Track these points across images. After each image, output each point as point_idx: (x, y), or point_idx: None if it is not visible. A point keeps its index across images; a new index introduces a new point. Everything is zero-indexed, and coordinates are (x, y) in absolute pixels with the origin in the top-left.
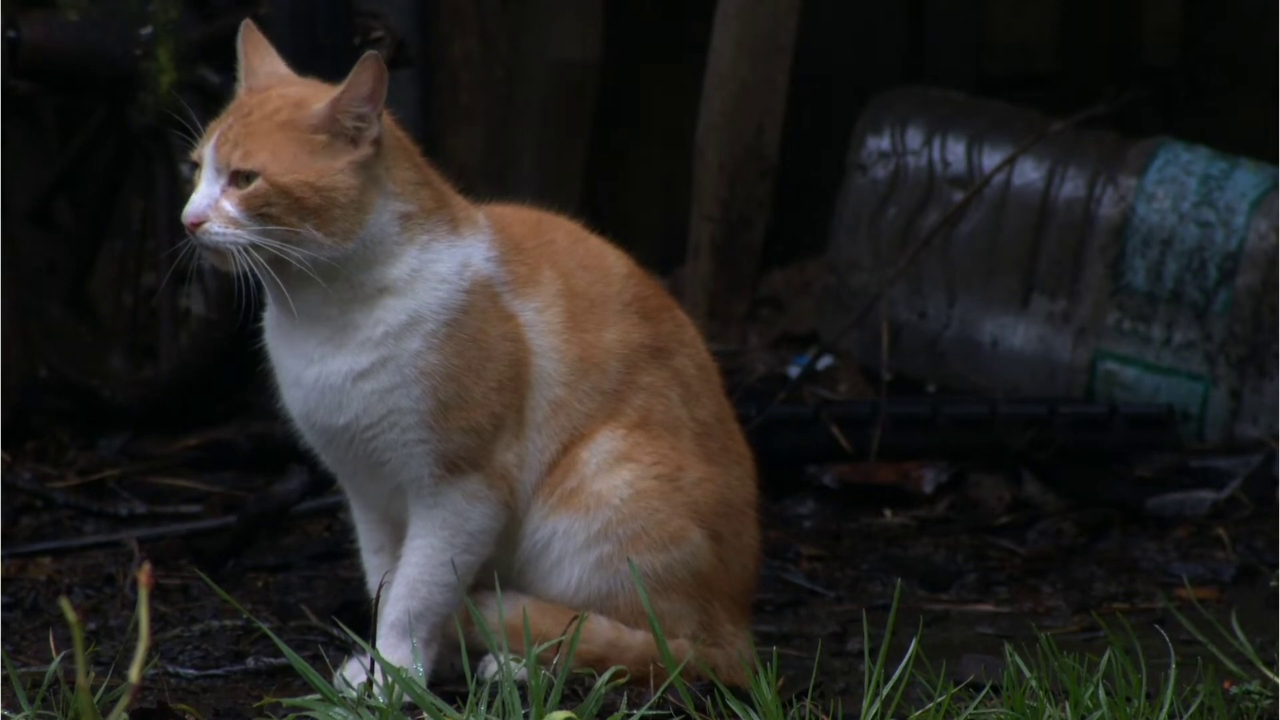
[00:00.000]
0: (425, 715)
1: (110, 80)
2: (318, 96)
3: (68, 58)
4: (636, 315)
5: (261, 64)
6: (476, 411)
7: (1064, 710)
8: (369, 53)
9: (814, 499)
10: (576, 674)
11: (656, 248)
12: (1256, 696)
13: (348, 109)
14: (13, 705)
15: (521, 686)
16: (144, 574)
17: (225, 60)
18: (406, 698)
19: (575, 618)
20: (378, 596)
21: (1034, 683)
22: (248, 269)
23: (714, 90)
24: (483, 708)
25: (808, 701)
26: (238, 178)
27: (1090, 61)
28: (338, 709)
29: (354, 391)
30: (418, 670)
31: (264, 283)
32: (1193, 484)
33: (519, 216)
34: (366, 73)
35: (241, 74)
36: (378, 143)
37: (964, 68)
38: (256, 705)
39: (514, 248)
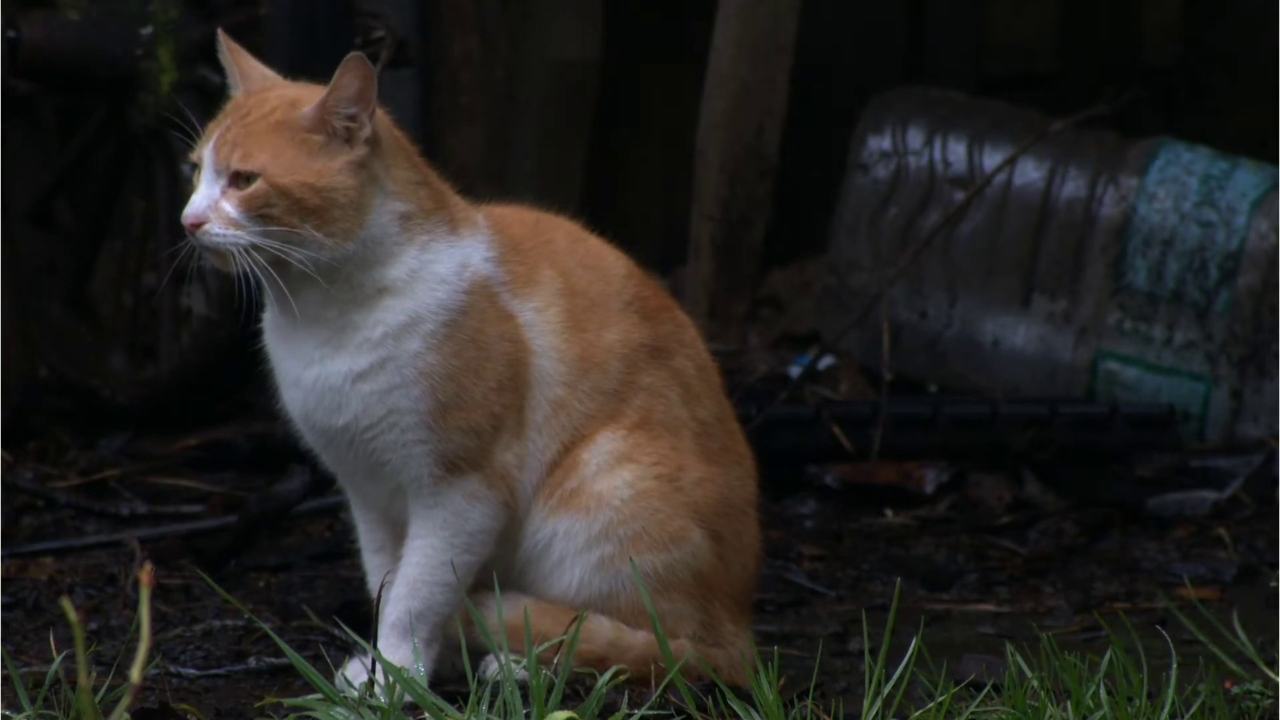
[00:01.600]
0: (426, 715)
1: (110, 80)
2: (311, 97)
3: (68, 58)
4: (636, 315)
5: (252, 67)
6: (476, 412)
7: (1065, 710)
8: (352, 53)
9: (815, 499)
10: (577, 674)
11: (656, 248)
12: (1258, 696)
13: (335, 109)
14: (14, 705)
15: (522, 686)
16: (145, 574)
17: None
18: (408, 697)
19: (576, 617)
20: (379, 596)
21: (1035, 682)
22: (248, 270)
23: (714, 90)
24: (484, 707)
25: (809, 701)
26: (238, 179)
27: (1090, 61)
28: (339, 709)
29: (353, 392)
30: (419, 670)
31: (264, 283)
32: (1193, 484)
33: (518, 217)
34: (350, 73)
35: (235, 79)
36: (372, 142)
37: (964, 68)
38: (258, 705)
39: (513, 248)
